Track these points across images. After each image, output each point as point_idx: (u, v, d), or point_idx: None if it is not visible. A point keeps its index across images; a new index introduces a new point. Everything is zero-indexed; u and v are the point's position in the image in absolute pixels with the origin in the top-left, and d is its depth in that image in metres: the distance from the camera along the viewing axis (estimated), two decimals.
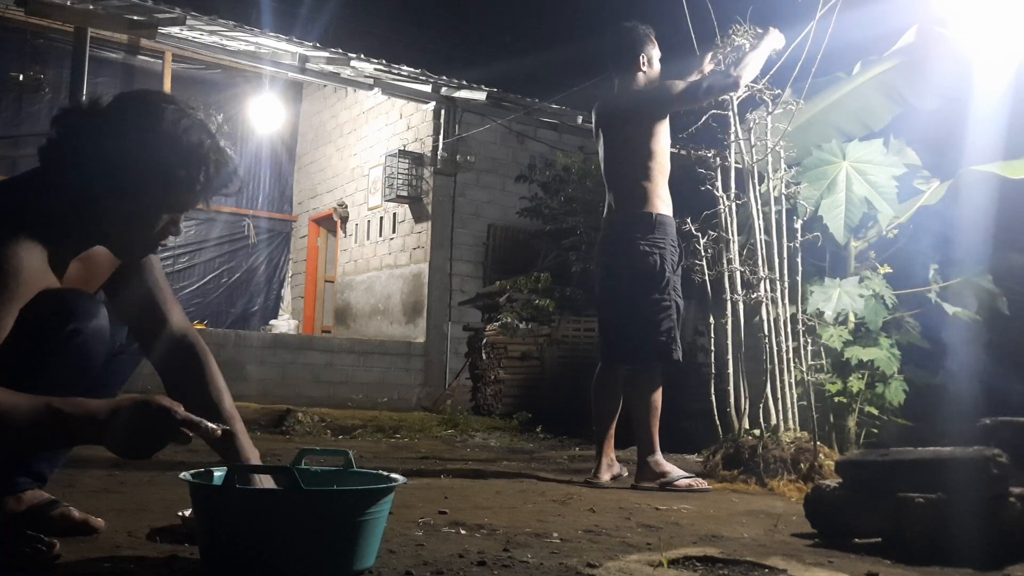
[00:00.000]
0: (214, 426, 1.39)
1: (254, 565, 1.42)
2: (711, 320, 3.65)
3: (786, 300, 3.60)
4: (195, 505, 1.54)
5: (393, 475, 1.68)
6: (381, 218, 9.77)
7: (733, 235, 3.60)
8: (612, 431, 3.47)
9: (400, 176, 8.97)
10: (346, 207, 10.47)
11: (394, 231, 9.54)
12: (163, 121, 1.49)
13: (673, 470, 3.28)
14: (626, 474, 3.47)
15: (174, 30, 7.63)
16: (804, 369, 3.54)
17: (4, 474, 1.69)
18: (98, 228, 1.55)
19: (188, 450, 3.84)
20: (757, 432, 3.44)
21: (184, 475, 1.53)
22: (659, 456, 3.34)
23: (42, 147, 1.51)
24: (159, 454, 1.39)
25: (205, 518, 1.51)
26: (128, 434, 1.32)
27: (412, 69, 8.60)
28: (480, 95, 8.71)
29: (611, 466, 3.44)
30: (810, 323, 3.65)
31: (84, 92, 7.23)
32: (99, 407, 1.33)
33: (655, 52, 3.52)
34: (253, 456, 1.63)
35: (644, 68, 3.48)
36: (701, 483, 3.21)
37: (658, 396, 3.39)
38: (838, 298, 3.74)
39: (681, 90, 3.37)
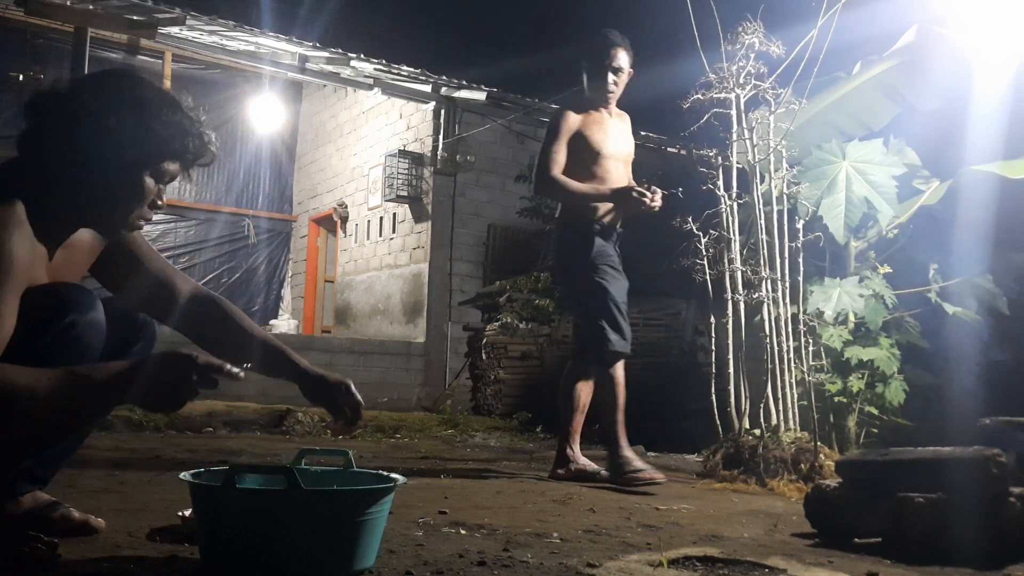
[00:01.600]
0: (237, 369, 1.40)
1: (254, 565, 1.42)
2: (712, 320, 3.65)
3: (787, 300, 3.59)
4: (195, 505, 1.54)
5: (393, 475, 1.68)
6: (381, 218, 9.77)
7: (734, 235, 3.60)
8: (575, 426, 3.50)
9: (400, 176, 8.97)
10: (346, 207, 10.47)
11: (394, 231, 9.54)
12: (142, 93, 1.53)
13: (588, 465, 3.35)
14: (602, 472, 3.39)
15: (174, 30, 7.63)
16: (805, 369, 3.54)
17: (4, 477, 1.68)
18: (86, 207, 1.55)
19: (188, 450, 3.85)
20: (757, 432, 3.44)
21: (184, 475, 1.54)
22: (574, 449, 3.40)
23: (20, 135, 1.52)
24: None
25: (205, 518, 1.51)
26: (153, 386, 1.34)
27: (412, 69, 8.60)
28: (480, 95, 8.71)
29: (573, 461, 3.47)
30: (811, 323, 3.65)
31: None
32: (121, 365, 1.36)
33: (626, 61, 3.45)
34: (307, 364, 1.75)
35: (614, 76, 3.44)
36: (585, 467, 3.32)
37: (579, 388, 3.40)
38: (838, 298, 3.73)
39: (545, 175, 3.40)
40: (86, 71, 7.28)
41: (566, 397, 3.41)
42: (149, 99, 1.53)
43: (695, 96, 3.63)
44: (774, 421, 3.45)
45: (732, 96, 3.59)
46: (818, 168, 3.84)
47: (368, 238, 10.06)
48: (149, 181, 1.56)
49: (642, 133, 9.61)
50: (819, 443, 3.33)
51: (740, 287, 3.58)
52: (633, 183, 3.45)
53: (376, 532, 1.53)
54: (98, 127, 1.48)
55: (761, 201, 3.64)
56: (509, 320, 7.14)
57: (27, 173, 1.50)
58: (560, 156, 3.40)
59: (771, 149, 3.63)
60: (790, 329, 3.56)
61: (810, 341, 3.65)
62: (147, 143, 1.52)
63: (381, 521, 1.54)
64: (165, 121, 1.54)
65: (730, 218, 3.61)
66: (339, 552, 1.46)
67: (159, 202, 1.61)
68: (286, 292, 11.84)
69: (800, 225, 3.64)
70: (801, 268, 3.67)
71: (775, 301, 3.56)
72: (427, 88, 8.75)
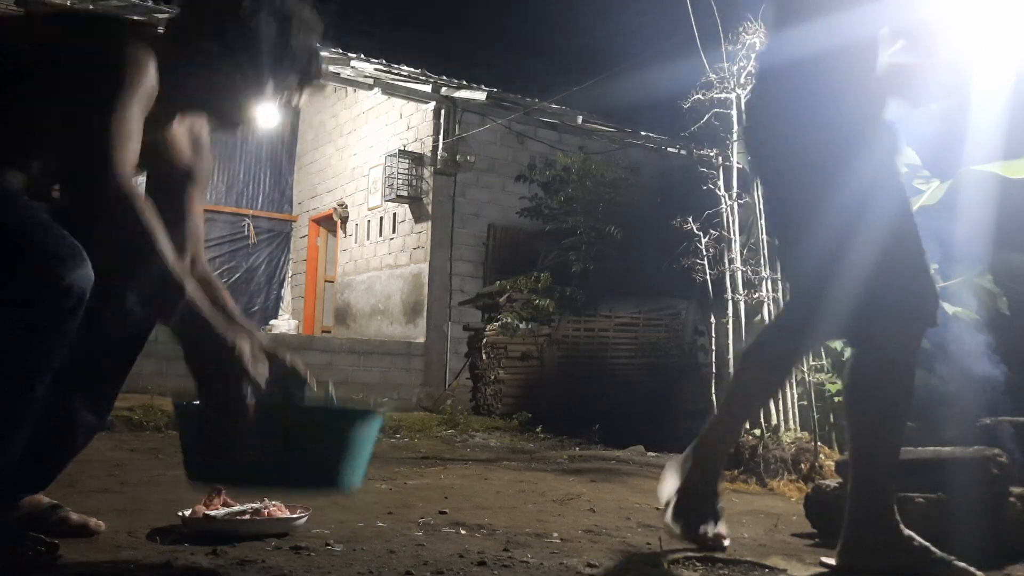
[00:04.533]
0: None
1: (240, 471, 1.44)
2: (712, 320, 3.65)
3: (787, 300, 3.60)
4: (180, 423, 1.58)
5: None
6: (381, 218, 9.77)
7: (735, 235, 3.60)
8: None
9: (400, 176, 8.97)
10: (346, 207, 10.47)
11: (394, 231, 9.54)
12: (295, 9, 1.68)
13: None
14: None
15: None
16: (804, 369, 3.54)
17: (4, 479, 1.68)
18: (210, 90, 1.65)
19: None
20: (757, 432, 3.44)
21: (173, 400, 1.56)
22: None
23: (170, 19, 1.68)
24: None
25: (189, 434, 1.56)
26: None
27: (412, 69, 8.60)
28: (480, 95, 8.71)
29: None
30: None
31: None
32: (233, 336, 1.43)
33: None
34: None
35: None
36: None
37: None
38: None
39: None
40: None
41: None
42: (296, 14, 1.66)
43: (695, 96, 3.63)
44: (774, 421, 3.46)
45: (732, 96, 3.59)
46: None
47: (368, 238, 10.06)
48: (271, 84, 1.68)
49: (642, 133, 9.61)
50: (819, 443, 3.33)
51: (740, 287, 3.58)
52: None
53: (363, 453, 1.54)
54: (254, 36, 1.61)
55: (761, 201, 3.64)
56: (509, 320, 7.14)
57: (178, 47, 1.60)
58: None
59: None
60: None
61: None
62: (282, 53, 1.65)
63: (367, 444, 1.55)
64: (303, 38, 1.67)
65: (730, 218, 3.62)
66: (325, 465, 1.48)
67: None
68: (286, 292, 11.84)
69: None
70: None
71: (775, 301, 3.56)
72: (427, 88, 8.75)
